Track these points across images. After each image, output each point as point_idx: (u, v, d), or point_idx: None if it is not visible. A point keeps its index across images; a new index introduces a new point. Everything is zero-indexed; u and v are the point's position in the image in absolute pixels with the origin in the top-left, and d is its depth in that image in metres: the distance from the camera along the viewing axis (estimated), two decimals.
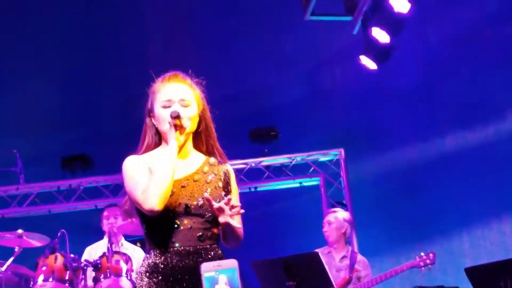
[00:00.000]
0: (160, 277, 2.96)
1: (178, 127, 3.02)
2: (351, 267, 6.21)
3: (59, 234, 5.79)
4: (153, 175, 2.94)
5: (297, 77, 9.55)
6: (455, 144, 8.97)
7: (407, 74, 8.97)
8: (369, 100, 9.35)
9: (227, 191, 3.14)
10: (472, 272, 4.91)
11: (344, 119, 9.44)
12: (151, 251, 3.03)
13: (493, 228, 8.57)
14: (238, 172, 8.53)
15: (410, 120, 9.23)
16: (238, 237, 3.09)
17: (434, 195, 8.79)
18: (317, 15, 7.22)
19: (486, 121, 8.72)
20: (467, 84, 8.73)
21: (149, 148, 3.16)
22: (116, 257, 5.77)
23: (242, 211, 2.97)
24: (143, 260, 3.07)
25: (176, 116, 2.99)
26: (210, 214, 3.03)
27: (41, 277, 5.62)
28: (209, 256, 2.99)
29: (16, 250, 5.98)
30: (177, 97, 3.09)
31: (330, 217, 6.45)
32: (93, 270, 5.72)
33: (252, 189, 8.98)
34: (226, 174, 3.19)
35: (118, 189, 8.76)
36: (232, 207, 2.94)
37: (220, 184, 3.14)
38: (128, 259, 5.80)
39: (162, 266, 2.97)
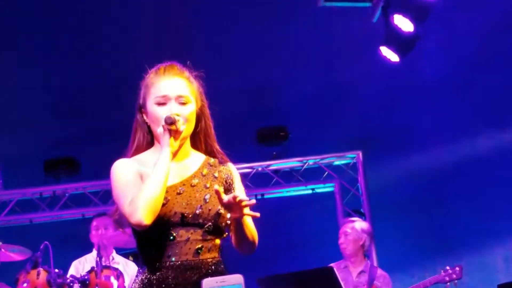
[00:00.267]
0: None
1: (173, 132, 2.99)
2: (370, 283, 6.22)
3: (41, 246, 5.81)
4: (143, 185, 2.92)
5: (309, 71, 9.55)
6: (488, 145, 8.97)
7: (433, 67, 8.96)
8: (390, 96, 9.35)
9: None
10: None
11: (362, 118, 9.45)
12: (145, 266, 3.02)
13: None
14: (243, 177, 8.45)
15: (437, 118, 9.23)
16: (252, 238, 3.06)
17: (464, 203, 8.79)
18: (332, 1, 7.23)
19: None
20: (501, 79, 8.72)
21: (141, 149, 3.15)
22: (106, 272, 5.79)
23: (257, 214, 2.94)
24: (136, 276, 3.06)
25: (171, 123, 2.97)
26: (210, 224, 3.00)
27: None
28: (210, 271, 2.96)
29: None
30: (174, 94, 3.06)
31: (347, 228, 6.46)
32: (81, 287, 5.74)
33: (259, 197, 8.99)
34: (229, 176, 3.17)
35: (108, 196, 8.76)
36: (240, 202, 2.87)
37: (222, 188, 3.06)
38: (119, 275, 5.82)
39: (156, 282, 2.95)
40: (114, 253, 6.65)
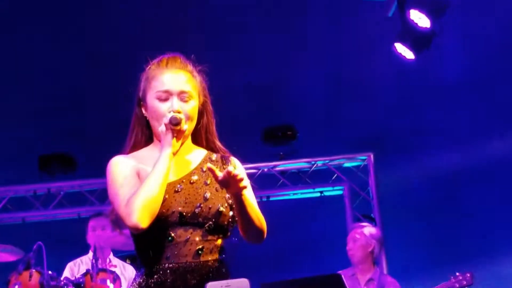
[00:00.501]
0: None
1: (176, 132, 2.98)
2: None
3: (35, 247, 5.82)
4: (141, 185, 2.91)
5: (319, 68, 9.54)
6: (505, 148, 8.95)
7: (449, 66, 8.95)
8: (404, 96, 9.34)
9: None
10: None
11: (374, 118, 9.44)
12: (142, 268, 3.01)
13: None
14: (248, 178, 8.51)
15: (452, 120, 9.21)
16: (258, 222, 3.02)
17: (481, 209, 8.77)
18: None
19: None
20: None
21: (139, 145, 3.14)
22: (101, 275, 5.80)
23: (246, 183, 2.89)
24: (134, 279, 3.05)
25: (176, 123, 2.96)
26: (211, 223, 2.99)
27: None
28: (211, 274, 2.95)
29: None
30: (177, 89, 3.05)
31: (355, 233, 6.46)
32: None
33: (264, 199, 8.99)
34: None
35: (106, 195, 8.66)
36: (235, 176, 2.84)
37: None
38: (116, 278, 5.83)
39: (154, 286, 2.94)
40: (111, 256, 6.66)
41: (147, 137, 3.16)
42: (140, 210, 2.84)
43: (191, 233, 2.96)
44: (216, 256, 3.01)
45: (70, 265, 6.58)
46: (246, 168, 3.23)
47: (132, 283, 3.03)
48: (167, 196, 2.95)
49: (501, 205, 8.61)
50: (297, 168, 9.26)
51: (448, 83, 9.06)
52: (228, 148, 3.22)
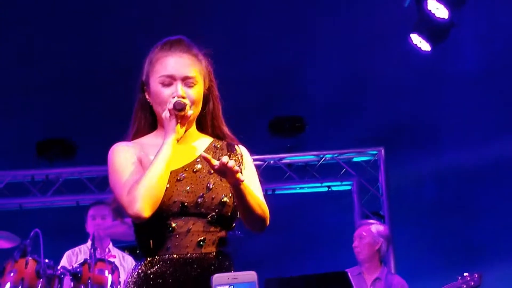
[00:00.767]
0: None
1: (180, 117, 2.96)
2: None
3: (31, 234, 5.83)
4: (144, 173, 2.90)
5: (331, 58, 9.54)
6: None
7: (468, 59, 8.94)
8: (419, 89, 9.33)
9: None
10: None
11: (386, 112, 9.44)
12: (142, 259, 3.00)
13: None
14: None
15: (469, 115, 9.20)
16: (260, 209, 2.99)
17: (492, 208, 8.78)
18: None
19: None
20: None
21: (142, 132, 3.12)
22: (100, 265, 5.81)
23: (242, 179, 2.87)
24: (133, 270, 3.05)
25: (180, 109, 2.94)
26: (214, 214, 2.97)
27: (8, 285, 5.64)
28: (213, 267, 2.94)
29: None
30: (180, 74, 3.02)
31: (362, 231, 6.46)
32: (72, 280, 5.76)
33: (269, 192, 9.00)
34: (237, 159, 3.10)
35: (106, 183, 8.70)
36: (232, 167, 2.81)
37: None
38: (114, 269, 5.84)
39: (153, 277, 2.93)
40: (110, 245, 6.67)
41: (151, 123, 3.14)
42: (142, 199, 2.84)
43: (193, 224, 2.95)
44: (219, 248, 3.00)
45: (68, 253, 6.60)
46: (252, 160, 3.22)
47: (132, 273, 3.02)
48: (168, 185, 2.93)
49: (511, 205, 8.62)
50: (304, 161, 9.26)
51: (464, 78, 9.05)
52: (235, 136, 3.19)
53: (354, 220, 8.70)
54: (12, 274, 5.68)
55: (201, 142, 3.13)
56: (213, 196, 2.98)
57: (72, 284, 5.77)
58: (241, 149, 3.18)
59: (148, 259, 2.97)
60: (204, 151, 3.07)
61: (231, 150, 3.14)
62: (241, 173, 3.02)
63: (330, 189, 9.22)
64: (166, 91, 3.01)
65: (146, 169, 2.93)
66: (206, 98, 3.12)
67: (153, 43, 3.14)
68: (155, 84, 3.04)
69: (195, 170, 3.03)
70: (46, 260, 5.73)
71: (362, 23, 9.35)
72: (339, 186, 9.23)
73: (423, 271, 8.62)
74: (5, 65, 9.23)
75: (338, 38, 9.38)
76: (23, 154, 9.41)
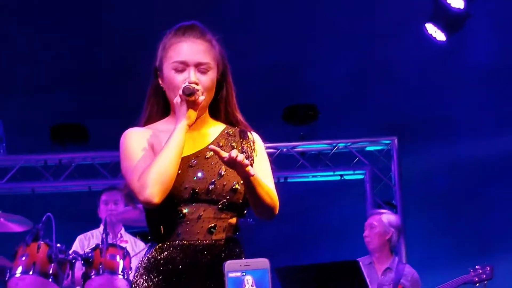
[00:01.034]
0: (161, 277, 2.94)
1: (191, 103, 2.95)
2: (396, 282, 6.21)
3: (44, 218, 5.85)
4: (155, 159, 2.89)
5: (345, 47, 9.51)
6: None
7: (484, 49, 8.89)
8: (434, 79, 9.30)
9: None
10: None
11: (400, 101, 9.40)
12: (153, 244, 3.01)
13: None
14: None
15: (484, 106, 9.17)
16: (269, 199, 2.97)
17: (505, 201, 8.75)
18: None
19: None
20: None
21: (154, 117, 3.12)
22: (111, 250, 5.82)
23: (252, 173, 2.86)
24: (143, 255, 3.06)
25: (190, 94, 2.93)
26: (225, 200, 2.97)
27: (19, 269, 5.67)
28: (223, 254, 2.94)
29: None
30: (193, 60, 3.01)
31: (373, 220, 6.45)
32: (83, 265, 5.79)
33: (282, 180, 8.99)
34: (250, 146, 3.10)
35: (118, 168, 8.72)
36: (240, 162, 2.81)
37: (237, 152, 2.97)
38: (126, 254, 5.85)
39: (163, 263, 2.94)
40: (122, 231, 6.70)
41: (163, 109, 3.13)
42: (153, 185, 2.84)
43: (204, 210, 2.95)
44: (229, 235, 3.00)
45: (80, 237, 6.62)
46: (265, 148, 3.21)
47: (142, 258, 3.03)
48: (180, 171, 2.93)
49: None
50: (317, 149, 9.25)
51: (479, 69, 9.01)
52: (248, 123, 3.18)
53: (366, 209, 8.68)
54: (24, 258, 5.70)
55: (214, 129, 3.12)
56: (225, 183, 2.97)
57: (83, 268, 5.80)
58: (254, 135, 3.16)
59: (159, 244, 2.98)
60: (216, 138, 3.08)
61: (243, 137, 3.13)
62: (253, 160, 3.05)
63: (342, 178, 9.21)
64: (179, 77, 3.00)
65: (157, 154, 2.93)
66: (220, 84, 3.11)
67: (166, 29, 3.13)
68: (168, 70, 3.04)
69: (207, 156, 3.02)
70: (58, 245, 5.75)
71: (377, 11, 9.31)
72: (351, 175, 9.22)
73: (435, 261, 8.61)
74: (22, 51, 9.25)
75: (353, 27, 9.35)
76: (36, 139, 9.43)
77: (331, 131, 9.23)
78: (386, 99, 9.46)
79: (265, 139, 3.19)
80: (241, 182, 2.98)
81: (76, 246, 6.50)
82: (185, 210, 2.95)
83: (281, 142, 9.07)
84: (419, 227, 8.75)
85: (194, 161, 3.00)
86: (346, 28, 9.31)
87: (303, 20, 9.28)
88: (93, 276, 5.73)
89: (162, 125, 3.10)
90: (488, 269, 5.97)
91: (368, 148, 9.18)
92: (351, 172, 9.20)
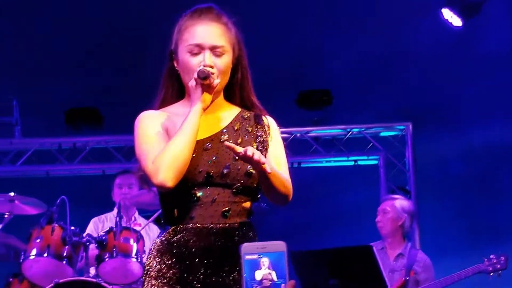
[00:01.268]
0: (174, 259, 2.94)
1: (206, 86, 2.94)
2: (409, 268, 6.21)
3: (58, 201, 5.87)
4: (169, 142, 2.90)
5: (359, 32, 9.47)
6: None
7: (500, 35, 8.83)
8: (449, 64, 9.25)
9: (263, 154, 2.93)
10: None
11: (415, 87, 9.36)
12: (166, 227, 3.01)
13: None
14: None
15: (500, 93, 9.11)
16: (283, 189, 2.97)
17: None
18: None
19: None
20: None
21: (169, 100, 3.11)
22: (125, 233, 5.84)
23: (268, 170, 2.83)
24: (157, 238, 3.06)
25: (204, 77, 2.92)
26: (239, 184, 2.96)
27: (34, 251, 5.70)
28: (237, 238, 2.94)
29: (5, 216, 6.10)
30: (209, 43, 2.99)
31: (386, 205, 6.45)
32: (97, 247, 5.82)
33: (295, 165, 8.99)
34: (265, 131, 3.10)
35: (132, 152, 8.71)
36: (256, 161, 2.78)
37: (254, 146, 3.02)
38: (139, 238, 5.87)
39: (176, 245, 2.94)
40: (136, 214, 6.72)
41: (178, 92, 3.13)
42: (167, 168, 2.84)
43: (218, 194, 2.95)
44: (243, 218, 3.00)
45: (94, 220, 6.65)
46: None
47: (155, 240, 3.04)
48: (194, 155, 2.92)
49: None
50: (331, 135, 9.24)
51: (495, 55, 8.95)
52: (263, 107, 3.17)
53: (380, 194, 8.68)
54: (38, 240, 5.73)
55: (229, 113, 3.12)
56: (239, 167, 2.97)
57: (97, 251, 5.83)
58: (269, 120, 3.16)
59: (172, 227, 2.98)
60: (231, 122, 3.08)
61: (258, 121, 3.12)
62: (268, 145, 3.06)
63: (356, 164, 9.20)
64: (194, 60, 2.99)
65: (172, 138, 2.93)
66: (235, 68, 3.09)
67: (181, 12, 3.12)
68: (183, 53, 3.03)
69: (221, 140, 3.01)
70: (72, 227, 5.78)
71: None
72: (365, 161, 9.21)
73: (448, 248, 8.60)
74: (37, 35, 9.26)
75: (368, 12, 9.30)
76: (51, 122, 9.45)
77: (345, 116, 9.21)
78: (400, 84, 9.42)
79: (279, 123, 3.19)
80: None
81: (90, 228, 6.53)
82: (199, 194, 2.95)
83: (295, 127, 9.07)
84: (433, 213, 8.73)
85: (209, 144, 3.00)
86: (361, 13, 9.26)
87: (320, 5, 9.24)
88: (106, 259, 5.75)
89: (176, 108, 3.09)
90: (503, 259, 5.94)
91: (382, 134, 9.17)
92: (365, 157, 9.19)
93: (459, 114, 9.30)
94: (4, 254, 6.16)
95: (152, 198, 5.74)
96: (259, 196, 3.08)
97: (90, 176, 9.26)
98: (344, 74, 9.41)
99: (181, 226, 2.96)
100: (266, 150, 3.06)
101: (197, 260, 2.93)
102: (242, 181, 2.97)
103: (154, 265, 2.97)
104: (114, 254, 5.74)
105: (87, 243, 5.80)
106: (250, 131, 3.08)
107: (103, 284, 5.58)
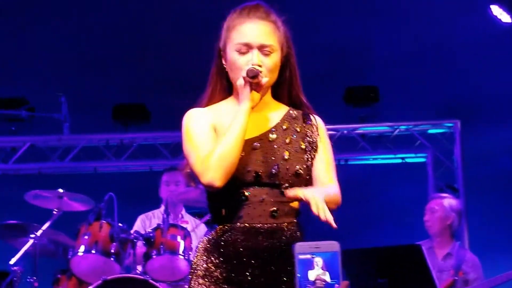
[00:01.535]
0: (221, 258, 2.93)
1: (254, 85, 2.92)
2: (457, 268, 6.13)
3: (106, 197, 5.90)
4: (218, 142, 2.88)
5: (407, 29, 9.41)
6: None
7: None
8: (498, 61, 9.16)
9: (311, 155, 2.99)
10: None
11: (463, 84, 9.30)
12: (214, 226, 3.00)
13: None
14: None
15: None
16: (333, 206, 2.93)
17: None
18: None
19: None
20: None
21: (217, 98, 3.09)
22: (172, 231, 5.85)
23: (333, 225, 2.76)
24: (204, 236, 3.05)
25: (253, 76, 2.90)
26: (287, 184, 2.93)
27: (82, 248, 5.74)
28: (284, 238, 2.92)
29: (54, 212, 6.14)
30: (257, 42, 2.97)
31: (434, 204, 6.38)
32: (144, 244, 5.83)
33: (342, 162, 8.97)
34: (314, 131, 3.07)
35: (179, 149, 8.74)
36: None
37: (303, 146, 3.01)
38: (186, 235, 5.87)
39: (223, 244, 2.93)
40: (183, 211, 6.72)
41: (226, 89, 3.11)
42: (216, 168, 2.83)
43: (266, 193, 2.93)
44: (291, 219, 2.97)
45: (142, 217, 6.66)
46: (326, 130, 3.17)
47: (202, 239, 3.03)
48: (243, 154, 2.91)
49: None
50: (378, 132, 9.21)
51: None
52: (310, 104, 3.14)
53: (428, 192, 8.62)
54: (86, 237, 5.76)
55: (277, 112, 3.09)
56: (288, 167, 2.95)
57: (144, 249, 5.84)
58: (317, 120, 3.12)
59: (220, 226, 2.97)
60: (280, 121, 3.05)
61: (306, 121, 3.09)
62: (317, 146, 3.04)
63: (404, 161, 9.15)
64: (242, 59, 2.97)
65: (220, 136, 2.92)
66: (283, 66, 3.07)
67: (230, 9, 3.10)
68: (231, 51, 3.01)
69: (270, 139, 3.00)
70: (120, 224, 5.80)
71: None
72: (413, 158, 9.17)
73: (496, 247, 8.52)
74: (86, 33, 9.33)
75: (416, 7, 9.24)
76: (98, 119, 9.52)
77: (392, 114, 9.15)
78: (448, 81, 9.35)
79: (326, 120, 3.16)
80: (304, 166, 2.97)
81: (138, 225, 6.55)
82: (247, 193, 2.93)
83: (342, 124, 9.05)
84: (481, 212, 8.63)
85: (257, 144, 2.97)
86: (409, 9, 9.20)
87: (367, 1, 9.20)
88: (154, 256, 5.76)
89: (224, 105, 3.08)
90: None
91: (430, 131, 9.11)
92: (413, 155, 9.15)
93: (508, 111, 9.20)
94: (52, 251, 6.21)
95: (199, 195, 5.73)
96: None
97: (137, 172, 9.31)
98: (391, 71, 9.36)
99: (229, 225, 2.94)
100: (315, 150, 3.04)
101: (244, 259, 2.91)
102: (290, 181, 2.94)
103: (201, 263, 2.96)
104: (161, 251, 5.75)
105: (135, 240, 5.82)
106: (298, 130, 3.06)
107: (151, 281, 5.58)
